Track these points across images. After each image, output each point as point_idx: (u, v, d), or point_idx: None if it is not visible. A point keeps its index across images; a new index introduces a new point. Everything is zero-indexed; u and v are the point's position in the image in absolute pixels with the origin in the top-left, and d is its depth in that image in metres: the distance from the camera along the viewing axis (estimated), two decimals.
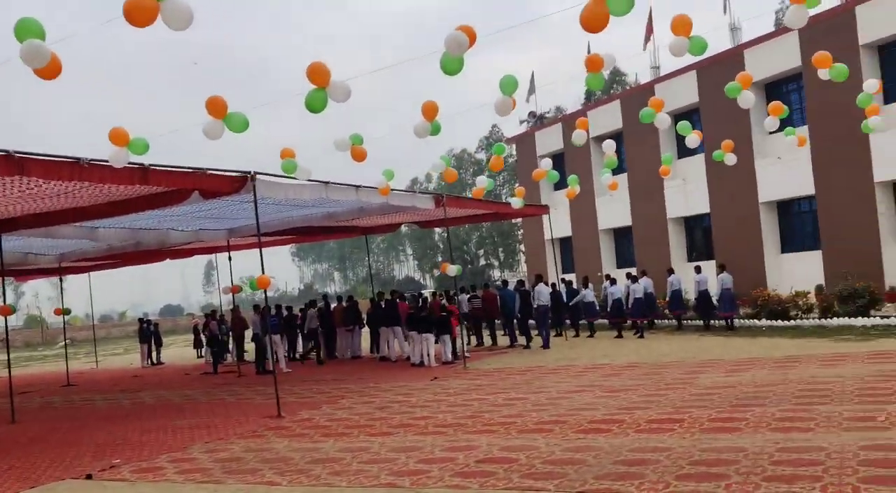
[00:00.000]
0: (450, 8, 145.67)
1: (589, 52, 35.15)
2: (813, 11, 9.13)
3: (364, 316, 21.12)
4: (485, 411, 10.39)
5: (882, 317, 17.00)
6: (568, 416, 9.40)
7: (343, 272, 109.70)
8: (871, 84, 13.94)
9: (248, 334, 20.80)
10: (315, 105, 8.48)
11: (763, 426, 7.84)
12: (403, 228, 33.34)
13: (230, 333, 21.94)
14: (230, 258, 18.95)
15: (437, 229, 70.73)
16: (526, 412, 9.94)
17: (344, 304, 21.02)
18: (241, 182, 11.51)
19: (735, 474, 6.19)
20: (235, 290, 18.76)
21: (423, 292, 33.93)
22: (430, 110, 11.40)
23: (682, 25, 9.22)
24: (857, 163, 23.09)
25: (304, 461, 8.18)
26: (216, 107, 8.86)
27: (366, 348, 21.26)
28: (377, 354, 19.79)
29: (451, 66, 7.85)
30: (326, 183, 13.39)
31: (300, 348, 21.94)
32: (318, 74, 8.31)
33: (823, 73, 11.98)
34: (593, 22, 7.32)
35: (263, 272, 11.50)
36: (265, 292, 12.07)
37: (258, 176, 11.63)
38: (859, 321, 17.06)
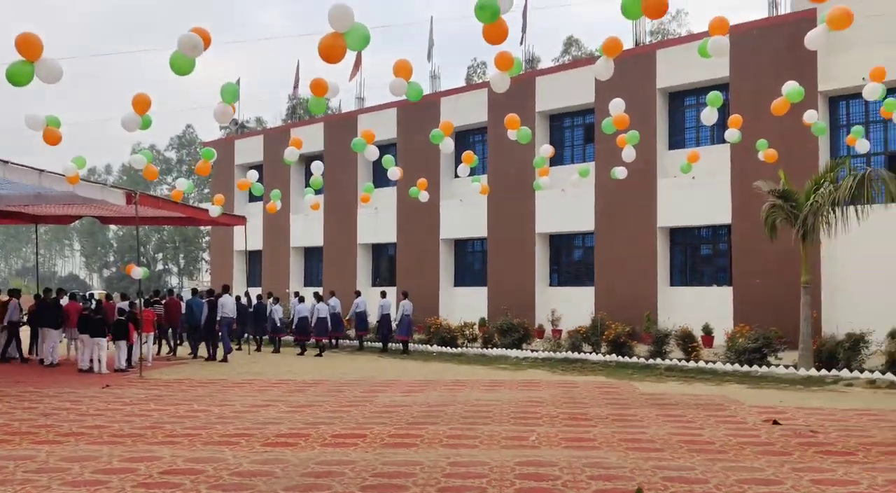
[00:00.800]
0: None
1: (298, 72, 35.60)
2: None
3: (25, 314, 18.97)
4: (166, 422, 10.03)
5: (532, 350, 19.43)
6: (255, 429, 9.46)
7: None
8: (546, 149, 16.14)
9: None
10: (18, 78, 7.70)
11: (436, 443, 8.66)
12: (77, 221, 30.52)
13: None
14: None
15: (114, 227, 65.56)
16: (210, 425, 9.80)
17: (5, 298, 18.73)
18: None
19: (413, 485, 6.81)
20: None
21: (93, 292, 31.33)
22: (141, 103, 10.89)
23: (403, 69, 9.99)
24: (523, 214, 26.26)
25: None
26: None
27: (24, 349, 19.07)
28: (37, 356, 17.87)
29: (182, 66, 7.68)
30: (6, 162, 12.03)
31: None
32: (28, 46, 7.57)
33: (512, 134, 13.60)
34: (330, 53, 7.70)
35: None
36: None
37: None
38: (514, 353, 19.28)
